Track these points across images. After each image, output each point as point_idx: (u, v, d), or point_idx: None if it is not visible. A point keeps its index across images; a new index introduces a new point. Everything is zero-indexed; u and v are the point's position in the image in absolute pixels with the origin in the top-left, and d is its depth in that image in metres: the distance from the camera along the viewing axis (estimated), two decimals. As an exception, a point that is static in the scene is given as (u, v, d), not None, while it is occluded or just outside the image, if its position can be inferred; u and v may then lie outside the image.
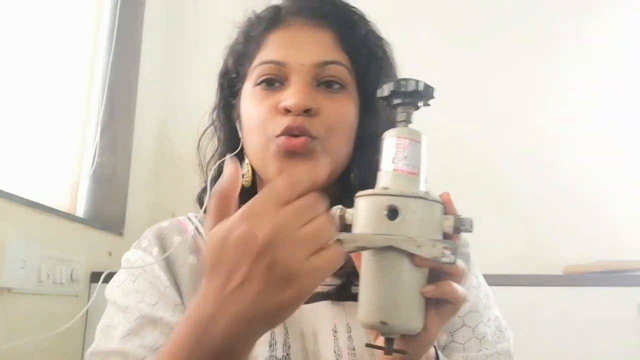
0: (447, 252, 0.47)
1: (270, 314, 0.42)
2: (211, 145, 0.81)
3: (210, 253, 0.43)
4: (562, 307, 1.36)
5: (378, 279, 0.49)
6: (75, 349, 1.38)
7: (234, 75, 0.78)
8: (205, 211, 0.77)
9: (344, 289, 0.68)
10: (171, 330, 0.64)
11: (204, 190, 0.79)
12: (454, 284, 0.50)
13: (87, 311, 1.42)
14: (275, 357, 0.64)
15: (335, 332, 0.67)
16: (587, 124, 1.76)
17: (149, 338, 0.64)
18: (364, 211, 0.50)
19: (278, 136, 0.67)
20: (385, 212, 0.48)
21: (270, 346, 0.64)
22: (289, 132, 0.67)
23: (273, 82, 0.70)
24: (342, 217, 0.51)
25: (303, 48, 0.70)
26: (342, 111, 0.70)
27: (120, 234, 1.61)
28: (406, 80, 0.52)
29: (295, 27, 0.72)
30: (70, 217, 1.46)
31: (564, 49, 1.82)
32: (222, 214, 0.45)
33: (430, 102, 0.53)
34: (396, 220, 0.48)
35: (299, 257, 0.41)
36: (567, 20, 1.84)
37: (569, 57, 1.82)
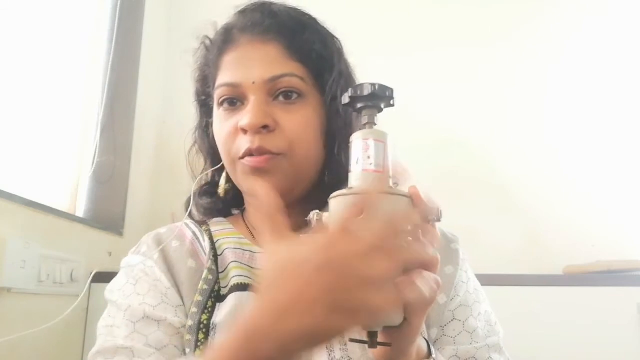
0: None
1: (318, 337, 0.43)
2: (200, 157, 0.84)
3: (273, 268, 0.45)
4: (562, 307, 1.36)
5: None
6: (75, 348, 1.38)
7: (204, 97, 0.82)
8: (190, 215, 0.80)
9: None
10: (174, 330, 0.66)
11: (189, 200, 0.82)
12: (425, 274, 0.49)
13: (87, 311, 1.42)
14: None
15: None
16: (587, 124, 1.76)
17: (153, 336, 0.65)
18: (334, 212, 0.53)
19: (241, 158, 0.71)
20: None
21: None
22: (249, 155, 0.70)
23: (234, 102, 0.73)
24: (319, 221, 0.54)
25: (252, 66, 0.71)
26: (303, 121, 0.72)
27: (120, 234, 1.61)
28: (362, 85, 0.55)
29: (244, 46, 0.73)
30: (70, 217, 1.46)
31: (565, 48, 1.82)
32: (278, 231, 0.48)
33: (393, 102, 0.56)
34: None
35: (361, 293, 0.42)
36: (568, 20, 1.84)
37: (570, 56, 1.82)
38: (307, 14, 0.78)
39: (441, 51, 1.83)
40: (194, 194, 0.81)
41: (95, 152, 1.61)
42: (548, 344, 1.33)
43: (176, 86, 1.88)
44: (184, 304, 0.69)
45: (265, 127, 0.69)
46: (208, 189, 0.83)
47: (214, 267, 0.72)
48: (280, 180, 0.70)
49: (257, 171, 0.70)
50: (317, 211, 0.54)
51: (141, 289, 0.70)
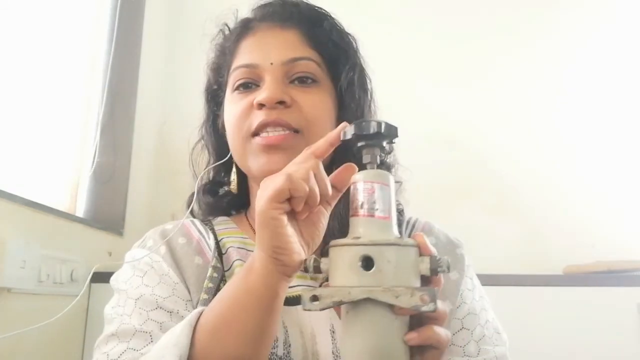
0: (426, 299, 0.46)
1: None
2: (203, 156, 0.84)
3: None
4: (562, 307, 1.36)
5: (359, 331, 0.48)
6: (75, 349, 1.38)
7: (215, 87, 0.82)
8: (192, 213, 0.79)
9: None
10: None
11: (193, 195, 0.81)
12: (436, 328, 0.49)
13: (87, 311, 1.42)
14: (276, 355, 0.64)
15: (333, 332, 0.67)
16: (587, 124, 1.76)
17: (165, 325, 0.64)
18: (338, 262, 0.49)
19: (254, 135, 0.70)
20: (360, 263, 0.48)
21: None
22: (264, 128, 0.69)
23: (249, 85, 0.73)
24: (316, 267, 0.52)
25: (272, 48, 0.73)
26: (319, 102, 0.73)
27: (120, 234, 1.61)
28: (367, 122, 0.52)
29: (263, 31, 0.76)
30: (70, 217, 1.46)
31: (565, 48, 1.82)
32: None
33: (395, 140, 0.54)
34: (371, 271, 0.47)
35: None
36: (568, 19, 1.84)
37: (569, 57, 1.82)
38: (325, 10, 0.80)
39: (443, 51, 1.83)
40: (197, 191, 0.80)
41: (95, 152, 1.61)
42: (548, 344, 1.33)
43: (176, 86, 1.88)
44: (191, 299, 0.69)
45: (282, 102, 0.69)
46: (211, 187, 0.82)
47: (219, 265, 0.71)
48: (292, 158, 0.69)
49: (271, 148, 0.69)
50: (314, 256, 0.52)
51: (150, 281, 0.69)
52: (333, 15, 0.80)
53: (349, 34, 0.80)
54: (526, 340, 1.18)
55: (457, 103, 1.79)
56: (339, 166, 0.57)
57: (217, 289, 0.68)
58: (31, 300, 1.22)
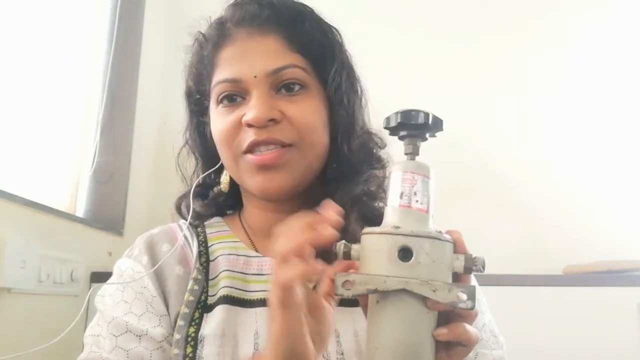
0: (464, 296, 0.45)
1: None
2: (190, 161, 0.83)
3: None
4: (562, 307, 1.36)
5: (390, 322, 0.47)
6: (75, 349, 1.38)
7: (198, 96, 0.80)
8: (191, 218, 0.77)
9: None
10: (155, 345, 0.65)
11: (182, 198, 0.81)
12: (467, 326, 0.49)
13: (87, 312, 1.42)
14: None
15: (356, 335, 0.66)
16: (587, 124, 1.76)
17: (133, 352, 0.65)
18: (373, 250, 0.48)
19: (245, 152, 0.68)
20: (397, 253, 0.46)
21: (254, 346, 0.65)
22: (254, 147, 0.67)
23: (234, 98, 0.70)
24: (346, 253, 0.50)
25: (253, 60, 0.69)
26: (309, 110, 0.69)
27: (120, 234, 1.61)
28: (416, 112, 0.50)
29: (242, 39, 0.71)
30: (70, 217, 1.46)
31: (566, 48, 1.82)
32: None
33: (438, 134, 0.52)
34: (409, 262, 0.46)
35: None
36: (569, 19, 1.84)
37: (570, 56, 1.82)
38: (304, 4, 0.75)
39: (443, 51, 1.83)
40: (187, 195, 0.78)
41: (95, 152, 1.61)
42: (548, 344, 1.33)
43: (176, 86, 1.86)
44: (169, 314, 0.68)
45: (272, 120, 0.67)
46: (200, 191, 0.80)
47: (199, 277, 0.70)
48: (289, 174, 0.67)
49: (266, 167, 0.67)
50: (344, 242, 0.50)
51: (128, 297, 0.69)
52: (313, 9, 0.75)
53: (332, 27, 0.76)
54: (526, 340, 1.18)
55: (458, 103, 1.78)
56: (315, 199, 0.56)
57: (198, 302, 0.67)
58: (31, 300, 1.22)
